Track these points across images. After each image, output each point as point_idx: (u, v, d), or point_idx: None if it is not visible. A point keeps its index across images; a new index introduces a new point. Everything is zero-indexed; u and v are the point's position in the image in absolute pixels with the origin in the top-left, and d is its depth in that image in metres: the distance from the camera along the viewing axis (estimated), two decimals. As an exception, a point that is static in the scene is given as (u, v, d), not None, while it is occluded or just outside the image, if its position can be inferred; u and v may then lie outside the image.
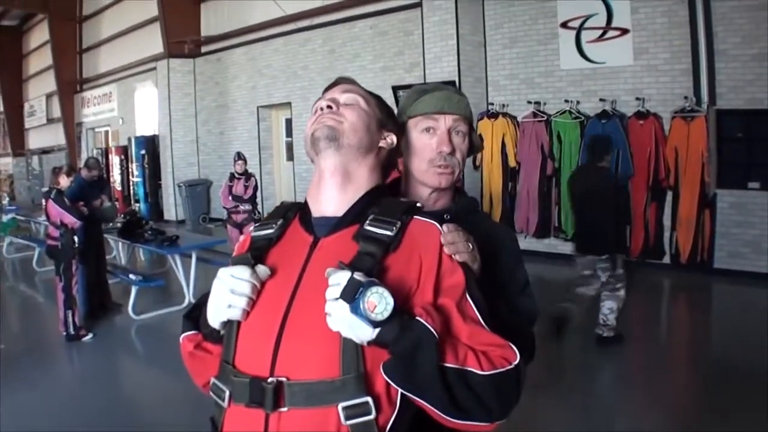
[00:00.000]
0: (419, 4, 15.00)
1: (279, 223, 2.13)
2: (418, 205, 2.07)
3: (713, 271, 12.36)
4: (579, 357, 8.64)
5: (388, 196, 2.17)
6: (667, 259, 12.90)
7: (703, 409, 6.74)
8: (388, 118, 2.25)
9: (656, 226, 12.85)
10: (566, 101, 13.70)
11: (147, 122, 25.19)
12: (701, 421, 6.43)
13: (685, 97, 12.35)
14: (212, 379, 1.97)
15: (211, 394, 1.96)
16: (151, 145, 23.90)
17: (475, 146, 2.60)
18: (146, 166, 24.24)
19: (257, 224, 2.20)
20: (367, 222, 1.95)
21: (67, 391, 7.80)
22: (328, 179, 2.06)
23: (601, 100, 13.27)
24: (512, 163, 14.62)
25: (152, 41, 23.65)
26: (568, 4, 13.97)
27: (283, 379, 1.79)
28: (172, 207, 23.21)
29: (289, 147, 20.53)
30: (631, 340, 8.93)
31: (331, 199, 2.05)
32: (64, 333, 9.60)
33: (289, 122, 20.39)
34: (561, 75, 14.09)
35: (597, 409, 6.75)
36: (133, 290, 10.79)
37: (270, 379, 1.80)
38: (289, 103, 19.65)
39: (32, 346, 9.60)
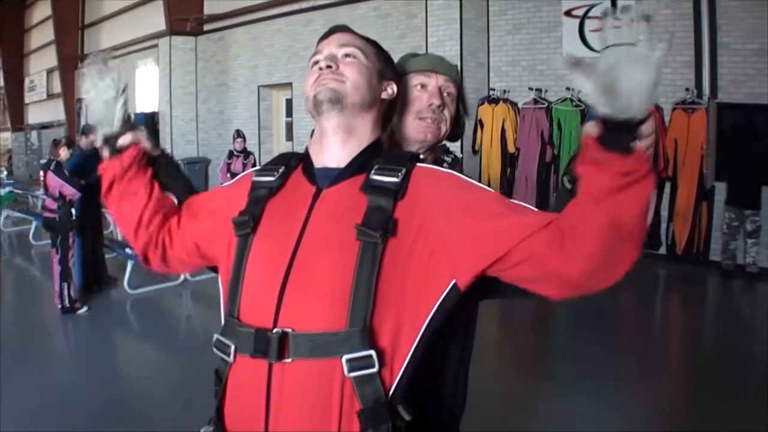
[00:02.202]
0: (424, -12, 14.98)
1: (281, 170, 2.10)
2: (421, 156, 2.06)
3: (709, 263, 12.41)
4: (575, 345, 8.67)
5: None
6: (663, 250, 12.93)
7: (696, 401, 6.75)
8: (386, 65, 2.21)
9: (654, 216, 12.83)
10: (568, 89, 13.66)
11: (147, 99, 25.09)
12: (693, 413, 6.45)
13: (687, 89, 12.38)
14: (216, 336, 1.96)
15: (215, 350, 1.97)
16: (150, 122, 23.68)
17: (461, 118, 2.61)
18: (145, 141, 23.90)
19: (259, 169, 2.17)
20: (373, 171, 1.92)
21: (61, 365, 7.81)
22: (330, 137, 2.04)
23: (602, 88, 13.11)
24: (511, 149, 14.61)
25: (154, 18, 23.52)
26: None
27: (288, 330, 1.79)
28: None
29: (289, 127, 20.46)
30: (625, 329, 8.95)
31: (335, 152, 2.03)
32: (59, 306, 9.61)
33: (289, 102, 20.34)
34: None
35: (588, 405, 6.75)
36: (129, 265, 10.81)
37: (275, 330, 1.80)
38: (290, 84, 19.58)
39: (27, 319, 9.62)
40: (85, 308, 9.74)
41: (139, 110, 24.77)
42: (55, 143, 10.35)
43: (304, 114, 18.18)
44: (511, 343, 8.61)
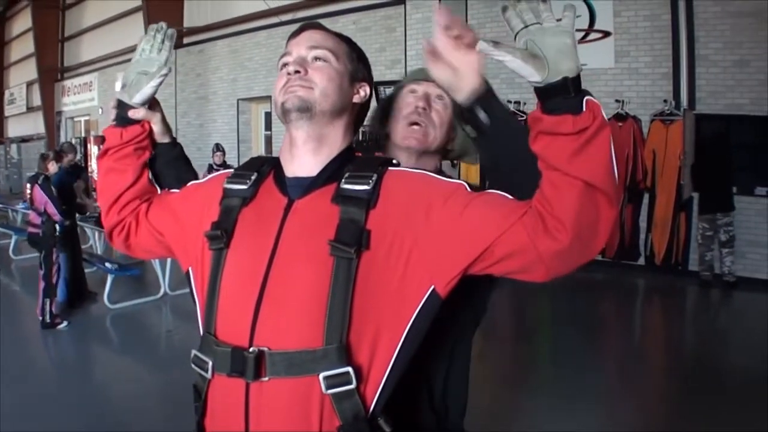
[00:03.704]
0: (402, 1, 15.05)
1: (253, 178, 2.05)
2: (395, 161, 2.01)
3: (687, 273, 12.47)
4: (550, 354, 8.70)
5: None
6: (641, 261, 12.99)
7: (677, 408, 6.80)
8: (359, 64, 2.15)
9: (632, 227, 12.94)
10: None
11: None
12: (674, 420, 6.48)
13: (665, 101, 12.47)
14: (194, 352, 1.94)
15: (194, 366, 1.95)
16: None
17: (456, 128, 2.59)
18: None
19: (231, 175, 2.10)
20: (344, 180, 1.89)
21: (40, 380, 7.75)
22: (300, 146, 1.99)
23: (581, 101, 13.19)
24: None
25: (134, 31, 23.40)
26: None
27: (265, 348, 1.77)
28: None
29: (268, 140, 20.50)
30: (605, 340, 8.99)
31: (305, 161, 1.99)
32: (40, 320, 9.56)
33: (268, 116, 20.37)
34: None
35: (569, 415, 6.77)
36: (109, 279, 10.74)
37: (252, 349, 1.78)
38: (269, 97, 19.18)
39: (6, 334, 9.55)
40: (65, 323, 9.64)
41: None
42: (44, 157, 10.29)
43: (283, 127, 18.29)
44: (492, 352, 8.61)
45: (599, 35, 13.26)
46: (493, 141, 2.01)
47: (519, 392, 7.16)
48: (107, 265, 10.94)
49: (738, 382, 7.30)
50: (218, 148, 14.65)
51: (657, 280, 12.58)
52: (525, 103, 14.03)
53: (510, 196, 1.83)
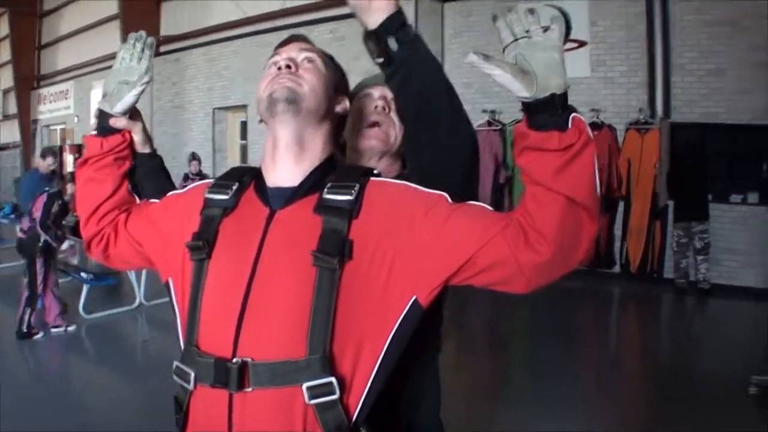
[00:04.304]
0: (381, 10, 15.06)
1: (234, 188, 2.02)
2: (376, 171, 1.99)
3: (663, 281, 12.58)
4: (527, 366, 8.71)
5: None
6: (617, 269, 13.06)
7: (654, 415, 6.80)
8: (341, 79, 2.17)
9: (607, 235, 12.99)
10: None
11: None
12: (651, 427, 6.53)
13: (640, 110, 12.56)
14: (175, 363, 1.91)
15: (175, 377, 1.92)
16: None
17: None
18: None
19: (212, 185, 2.07)
20: (326, 190, 1.87)
21: (15, 391, 7.68)
22: (283, 150, 1.97)
23: (556, 110, 13.28)
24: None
25: (111, 39, 23.30)
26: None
27: (248, 359, 1.76)
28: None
29: (244, 150, 20.46)
30: (581, 348, 9.01)
31: (287, 170, 1.96)
32: (17, 330, 9.48)
33: (244, 125, 20.32)
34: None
35: (545, 422, 6.78)
36: (85, 289, 10.66)
37: (235, 360, 1.76)
38: (245, 106, 19.49)
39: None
40: (41, 334, 9.57)
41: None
42: (63, 177, 10.29)
43: (259, 137, 18.14)
44: (469, 363, 8.61)
45: (575, 45, 13.32)
46: (404, 72, 1.97)
47: (496, 402, 7.16)
48: (83, 275, 10.88)
49: (713, 388, 7.34)
50: (194, 157, 14.63)
51: (633, 288, 12.66)
52: (501, 113, 14.11)
53: (491, 208, 1.84)
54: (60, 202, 9.84)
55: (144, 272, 11.06)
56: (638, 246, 12.82)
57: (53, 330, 9.70)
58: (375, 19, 1.92)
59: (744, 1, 11.99)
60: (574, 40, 13.32)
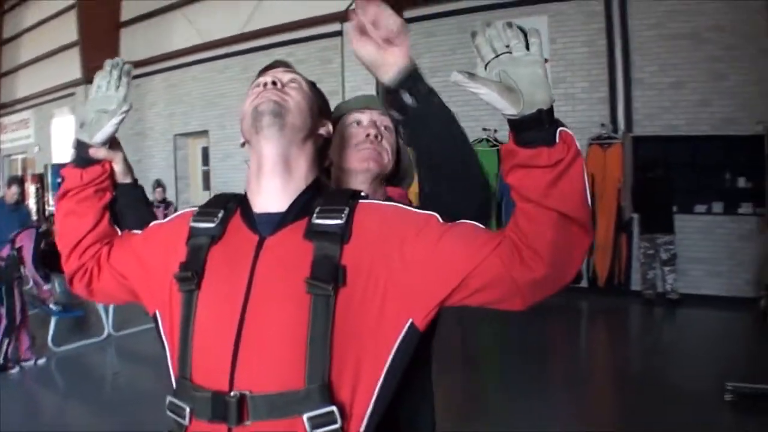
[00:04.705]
0: (340, 33, 15.09)
1: (220, 215, 1.98)
2: (363, 193, 1.97)
3: (630, 293, 12.73)
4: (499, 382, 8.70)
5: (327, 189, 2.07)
6: (585, 283, 13.10)
7: (624, 429, 6.82)
8: (324, 104, 2.17)
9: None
10: (484, 129, 13.86)
11: (64, 150, 24.56)
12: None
13: (602, 125, 12.64)
14: (169, 398, 1.87)
15: (169, 413, 1.87)
16: (66, 173, 23.36)
17: (401, 153, 2.61)
18: (62, 194, 23.42)
19: (197, 213, 2.04)
20: (315, 214, 1.85)
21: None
22: (268, 172, 1.93)
23: (518, 128, 13.39)
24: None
25: (71, 67, 23.23)
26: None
27: (246, 392, 1.72)
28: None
29: (206, 176, 20.33)
30: (551, 363, 9.02)
31: (273, 194, 1.93)
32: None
33: (206, 151, 20.21)
34: (479, 104, 14.10)
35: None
36: (53, 321, 10.49)
37: (233, 393, 1.73)
38: (207, 132, 19.50)
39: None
40: (17, 368, 9.40)
41: (55, 161, 24.45)
42: (47, 219, 10.21)
43: (220, 162, 18.14)
44: (437, 380, 8.59)
45: None
46: (419, 126, 1.96)
47: (467, 420, 7.12)
48: (51, 306, 10.75)
49: (689, 397, 7.39)
50: (158, 184, 14.57)
51: (601, 302, 12.75)
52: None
53: (483, 227, 1.84)
54: (46, 241, 9.78)
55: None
56: (605, 260, 12.94)
57: (24, 363, 9.51)
58: (389, 74, 1.89)
59: (702, 15, 12.24)
60: (534, 57, 13.39)
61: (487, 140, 13.83)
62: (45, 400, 8.93)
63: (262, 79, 2.02)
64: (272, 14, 17.35)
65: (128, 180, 2.33)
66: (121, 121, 2.17)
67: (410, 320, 1.78)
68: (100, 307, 11.11)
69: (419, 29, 15.03)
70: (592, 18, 13.10)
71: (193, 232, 1.98)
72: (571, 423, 7.08)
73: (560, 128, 1.62)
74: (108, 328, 11.09)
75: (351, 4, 1.91)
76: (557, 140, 1.60)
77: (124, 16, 22.81)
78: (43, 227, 9.96)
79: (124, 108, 2.16)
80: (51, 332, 10.37)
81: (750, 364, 8.56)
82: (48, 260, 9.87)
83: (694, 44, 12.29)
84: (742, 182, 12.42)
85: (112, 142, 2.24)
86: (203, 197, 19.15)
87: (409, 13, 14.98)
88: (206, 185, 20.19)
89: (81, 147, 2.18)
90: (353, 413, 1.76)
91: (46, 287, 10.65)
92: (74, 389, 9.11)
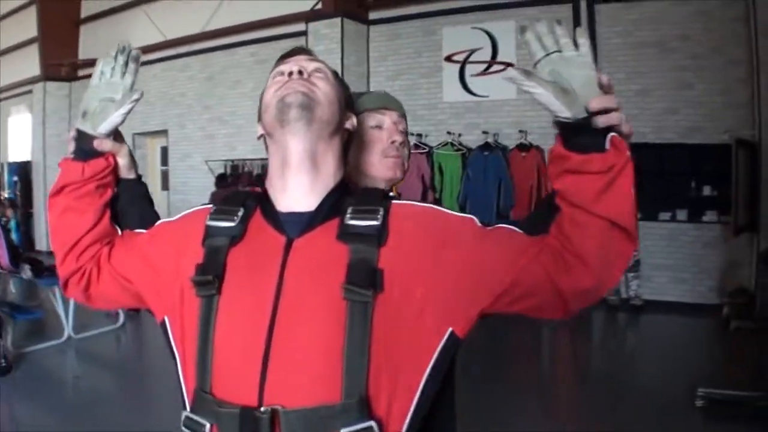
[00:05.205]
0: (304, 33, 15.00)
1: (240, 214, 1.83)
2: (392, 193, 1.93)
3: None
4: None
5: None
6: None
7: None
8: (349, 96, 2.03)
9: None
10: (449, 133, 13.97)
11: (20, 148, 24.36)
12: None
13: (569, 131, 12.65)
14: (185, 413, 1.73)
15: (185, 429, 1.72)
16: (23, 171, 23.18)
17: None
18: (18, 193, 23.29)
19: (214, 211, 1.87)
20: (348, 215, 1.72)
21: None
22: (294, 167, 1.79)
23: (483, 132, 13.66)
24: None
25: (28, 64, 22.97)
26: (453, 38, 14.36)
27: (278, 407, 1.58)
28: (44, 236, 22.08)
29: (165, 176, 20.17)
30: (515, 371, 9.01)
31: (301, 193, 1.80)
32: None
33: (164, 150, 20.07)
34: (444, 107, 14.42)
35: None
36: (11, 323, 10.25)
37: (263, 408, 1.59)
38: (166, 131, 19.38)
39: None
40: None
41: (11, 159, 24.17)
42: (1, 203, 10.07)
43: (179, 161, 18.07)
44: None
45: (502, 67, 13.59)
46: None
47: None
48: (8, 308, 10.55)
49: (659, 403, 7.40)
50: (118, 183, 14.42)
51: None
52: (427, 136, 14.30)
53: (521, 231, 1.77)
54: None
55: (72, 303, 10.70)
56: (569, 266, 12.90)
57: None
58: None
59: (670, 24, 12.46)
60: (500, 63, 13.59)
61: (452, 144, 13.90)
62: (2, 403, 8.75)
63: (285, 67, 1.87)
64: (235, 13, 17.20)
65: (132, 175, 2.15)
66: (130, 110, 2.02)
67: (450, 329, 1.68)
68: (59, 308, 10.89)
69: (384, 31, 15.00)
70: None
71: (210, 232, 1.83)
72: (537, 428, 7.10)
73: (611, 133, 1.58)
74: (68, 330, 10.84)
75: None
76: (608, 146, 1.57)
77: (85, 12, 22.59)
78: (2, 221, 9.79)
79: (135, 96, 2.00)
80: (10, 335, 10.14)
81: (716, 370, 8.66)
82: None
83: (662, 53, 12.51)
84: (707, 190, 12.60)
85: (116, 134, 2.07)
86: (162, 197, 19.13)
87: (374, 15, 15.00)
88: (165, 185, 20.01)
89: (83, 138, 2.01)
90: (389, 428, 1.64)
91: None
92: (34, 392, 8.91)
